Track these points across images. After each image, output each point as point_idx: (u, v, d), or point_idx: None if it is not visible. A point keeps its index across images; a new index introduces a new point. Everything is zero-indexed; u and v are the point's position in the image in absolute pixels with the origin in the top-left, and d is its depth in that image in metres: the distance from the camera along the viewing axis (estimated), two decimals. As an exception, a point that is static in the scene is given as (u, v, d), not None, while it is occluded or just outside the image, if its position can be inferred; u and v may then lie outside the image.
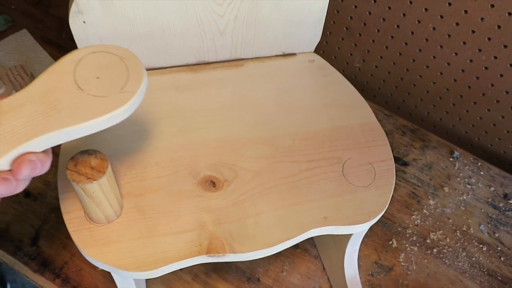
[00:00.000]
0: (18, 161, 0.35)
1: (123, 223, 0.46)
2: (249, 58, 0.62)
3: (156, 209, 0.47)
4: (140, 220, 0.46)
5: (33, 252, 0.63)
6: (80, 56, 0.39)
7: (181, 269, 0.63)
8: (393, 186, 0.51)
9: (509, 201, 0.73)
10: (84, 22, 0.52)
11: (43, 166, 0.36)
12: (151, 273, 0.43)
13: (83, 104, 0.36)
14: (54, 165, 0.71)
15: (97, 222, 0.45)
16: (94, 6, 0.50)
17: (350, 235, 0.54)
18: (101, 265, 0.44)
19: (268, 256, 0.65)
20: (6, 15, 0.87)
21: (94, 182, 0.40)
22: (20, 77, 0.71)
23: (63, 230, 0.65)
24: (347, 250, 0.57)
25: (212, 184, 0.49)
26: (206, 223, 0.46)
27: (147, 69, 0.59)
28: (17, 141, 0.34)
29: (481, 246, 0.69)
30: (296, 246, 0.67)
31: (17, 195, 0.67)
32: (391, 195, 0.50)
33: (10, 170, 0.35)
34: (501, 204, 0.73)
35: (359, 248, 0.59)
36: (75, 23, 0.51)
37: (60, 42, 0.85)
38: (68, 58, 0.38)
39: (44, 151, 0.36)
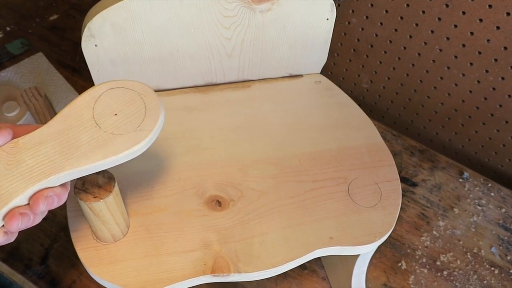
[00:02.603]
0: (35, 197, 0.36)
1: (129, 242, 0.46)
2: (256, 80, 0.63)
3: (162, 228, 0.47)
4: (146, 238, 0.46)
5: (42, 271, 0.64)
6: (100, 92, 0.39)
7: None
8: (399, 207, 0.51)
9: (521, 223, 0.72)
10: (96, 45, 0.53)
11: (59, 200, 0.37)
12: (156, 292, 0.44)
13: (100, 142, 0.37)
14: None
15: (104, 241, 0.46)
16: (106, 30, 0.52)
17: (357, 256, 0.54)
18: (107, 284, 0.44)
19: (275, 277, 0.65)
20: (23, 39, 0.90)
21: (101, 201, 0.41)
22: (34, 99, 0.73)
23: (72, 249, 0.65)
24: (354, 271, 0.57)
25: (218, 203, 0.49)
26: (211, 242, 0.47)
27: (157, 91, 0.60)
28: (35, 179, 0.35)
29: (492, 269, 0.67)
30: (304, 267, 0.66)
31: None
32: (397, 216, 0.50)
33: (27, 204, 0.36)
34: (512, 226, 0.72)
35: (368, 269, 0.58)
36: (87, 46, 0.53)
37: (74, 65, 0.88)
38: (88, 95, 0.39)
39: (62, 184, 0.37)
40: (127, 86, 0.40)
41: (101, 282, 0.44)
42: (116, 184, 0.42)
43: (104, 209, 0.41)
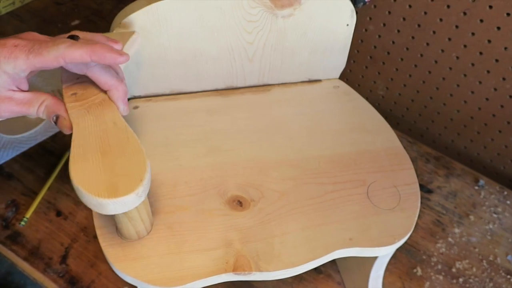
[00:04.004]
0: None
1: (152, 239, 0.47)
2: (276, 84, 0.64)
3: (184, 227, 0.48)
4: (169, 236, 0.47)
5: (62, 270, 0.65)
6: None
7: (205, 290, 0.64)
8: (418, 210, 0.51)
9: (537, 231, 0.72)
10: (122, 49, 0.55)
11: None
12: (178, 289, 0.44)
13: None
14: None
15: (128, 238, 0.47)
16: (132, 34, 0.53)
17: (375, 259, 0.54)
18: (130, 280, 0.45)
19: (291, 281, 0.65)
20: (45, 43, 0.92)
21: (128, 197, 0.42)
22: (57, 101, 0.74)
23: (91, 249, 0.67)
24: (371, 275, 0.57)
25: (239, 203, 0.50)
26: (233, 241, 0.47)
27: (179, 93, 0.62)
28: None
29: (508, 277, 0.67)
30: (319, 271, 0.67)
31: (48, 214, 0.70)
32: (416, 218, 0.50)
33: None
34: (529, 234, 0.72)
35: (383, 275, 0.59)
36: (113, 49, 0.55)
37: (94, 69, 0.89)
38: None
39: None
40: None
41: (125, 278, 0.45)
42: (142, 181, 0.43)
43: (131, 206, 0.42)
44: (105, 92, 0.47)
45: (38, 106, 0.45)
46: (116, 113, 0.45)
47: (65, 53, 0.42)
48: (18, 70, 0.43)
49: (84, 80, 0.47)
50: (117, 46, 0.47)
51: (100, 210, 0.38)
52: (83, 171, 0.39)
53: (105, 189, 0.38)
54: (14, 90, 0.44)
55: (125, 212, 0.43)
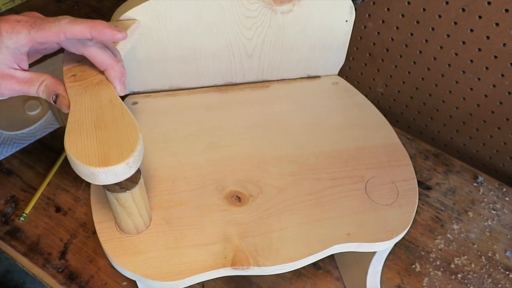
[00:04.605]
0: None
1: (151, 234, 0.47)
2: (275, 80, 0.64)
3: (183, 222, 0.48)
4: (168, 231, 0.47)
5: (61, 265, 0.65)
6: None
7: (203, 287, 0.64)
8: (416, 205, 0.51)
9: (536, 228, 0.72)
10: (121, 45, 0.55)
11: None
12: (177, 283, 0.44)
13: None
14: (84, 181, 0.74)
15: (127, 232, 0.47)
16: (131, 29, 0.54)
17: (373, 254, 0.55)
18: (129, 274, 0.45)
19: (290, 277, 0.65)
20: (45, 40, 0.92)
21: (127, 191, 0.42)
22: (56, 97, 0.75)
23: (91, 245, 0.67)
24: (369, 271, 0.57)
25: (237, 199, 0.50)
26: (231, 236, 0.47)
27: (178, 89, 0.62)
28: None
29: (507, 273, 0.68)
30: (318, 267, 0.67)
31: (48, 210, 0.70)
32: (414, 214, 0.51)
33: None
34: (527, 231, 0.72)
35: (382, 271, 0.59)
36: (112, 45, 0.55)
37: (94, 66, 0.89)
38: None
39: None
40: None
41: (124, 272, 0.45)
42: (141, 176, 0.43)
43: (130, 200, 0.43)
44: (103, 73, 0.47)
45: (39, 85, 0.45)
46: (112, 91, 0.46)
47: (66, 28, 0.43)
48: (19, 45, 0.43)
49: (84, 64, 0.48)
50: None
51: (92, 180, 0.39)
52: (77, 143, 0.40)
53: (96, 158, 0.39)
54: (15, 69, 0.45)
55: (123, 205, 0.43)
